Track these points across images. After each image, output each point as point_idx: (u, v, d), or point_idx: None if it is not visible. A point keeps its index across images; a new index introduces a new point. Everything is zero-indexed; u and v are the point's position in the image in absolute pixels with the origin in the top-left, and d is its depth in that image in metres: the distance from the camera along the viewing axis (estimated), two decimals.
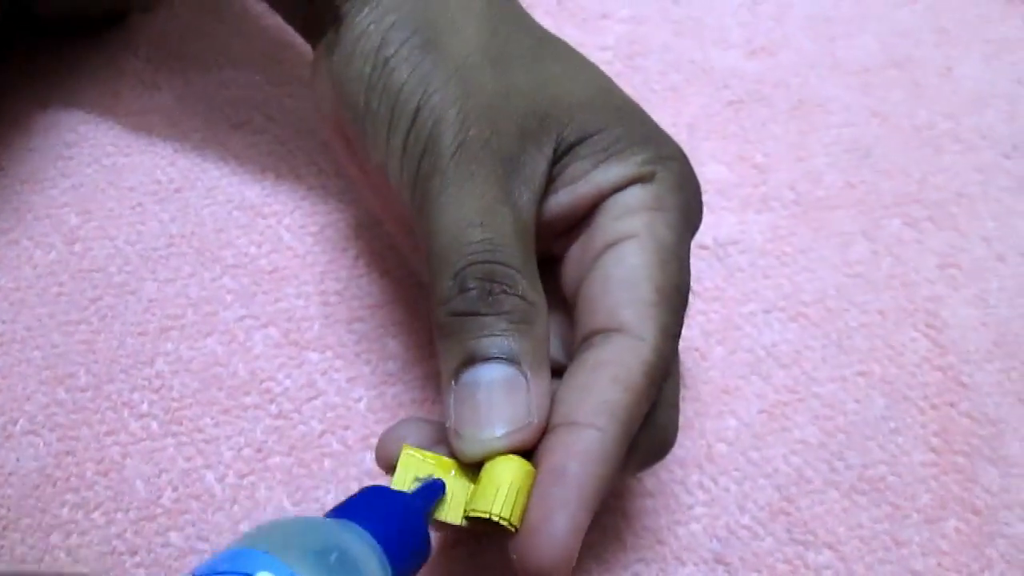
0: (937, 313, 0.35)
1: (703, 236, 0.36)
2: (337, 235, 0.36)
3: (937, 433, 0.33)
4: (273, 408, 0.32)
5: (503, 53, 0.27)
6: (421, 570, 0.23)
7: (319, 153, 0.38)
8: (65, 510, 0.30)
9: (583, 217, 0.27)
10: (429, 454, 0.24)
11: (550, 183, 0.26)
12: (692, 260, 0.27)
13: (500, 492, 0.22)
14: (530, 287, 0.24)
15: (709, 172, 0.38)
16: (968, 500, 0.31)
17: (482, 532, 0.24)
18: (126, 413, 0.32)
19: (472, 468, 0.23)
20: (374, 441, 0.31)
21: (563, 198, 0.26)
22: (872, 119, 0.41)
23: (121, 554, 0.29)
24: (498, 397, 0.23)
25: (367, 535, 0.21)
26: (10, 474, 0.30)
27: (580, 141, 0.26)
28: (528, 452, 0.23)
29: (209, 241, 0.35)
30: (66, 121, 0.38)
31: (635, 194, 0.26)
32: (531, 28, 0.28)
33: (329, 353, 0.33)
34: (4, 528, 0.29)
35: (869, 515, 0.31)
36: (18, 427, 0.31)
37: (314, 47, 0.31)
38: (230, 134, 0.38)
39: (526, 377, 0.23)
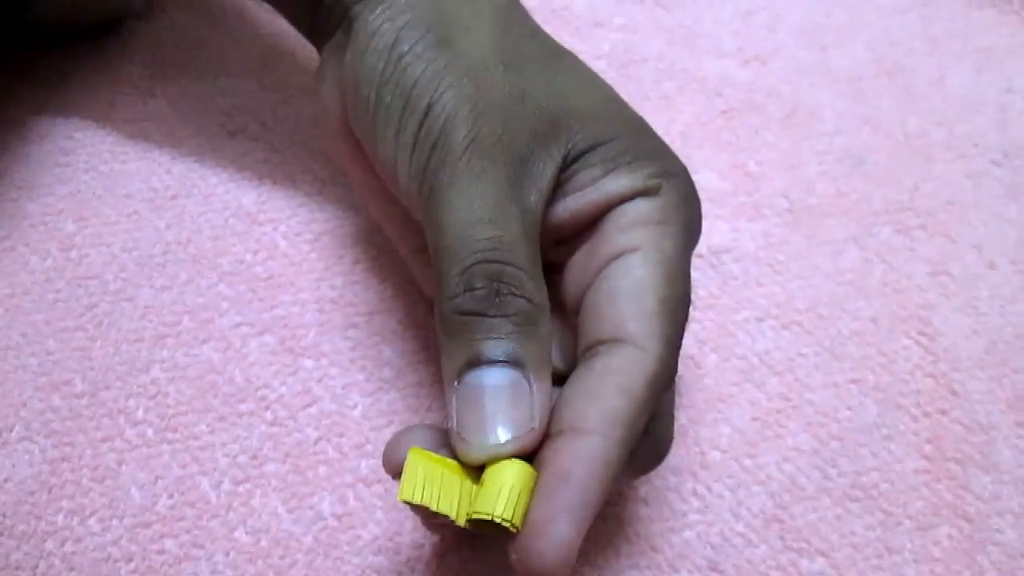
0: (929, 320, 0.35)
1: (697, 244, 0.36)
2: (333, 242, 0.36)
3: (929, 440, 0.33)
4: (268, 415, 0.32)
5: (516, 57, 0.27)
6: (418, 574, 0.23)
7: (315, 160, 0.38)
8: (60, 517, 0.30)
9: (587, 225, 0.27)
10: (435, 455, 0.24)
11: (557, 188, 0.26)
12: None
13: (503, 494, 0.23)
14: (536, 289, 0.24)
15: (702, 180, 0.38)
16: (960, 507, 0.31)
17: (482, 533, 0.24)
18: (122, 420, 0.32)
19: (475, 469, 0.24)
20: (369, 448, 0.32)
21: (572, 203, 0.27)
22: (864, 127, 0.41)
23: (116, 561, 0.29)
24: (503, 402, 0.23)
25: None
26: (5, 480, 0.30)
27: (590, 149, 0.26)
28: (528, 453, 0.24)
29: (205, 248, 0.35)
30: (62, 128, 0.38)
31: (641, 207, 0.26)
32: (542, 38, 0.29)
33: (324, 360, 0.33)
34: None
35: (862, 522, 0.31)
36: (13, 433, 0.31)
37: (320, 49, 0.31)
38: (226, 141, 0.38)
39: (529, 381, 0.24)
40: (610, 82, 0.29)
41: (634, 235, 0.26)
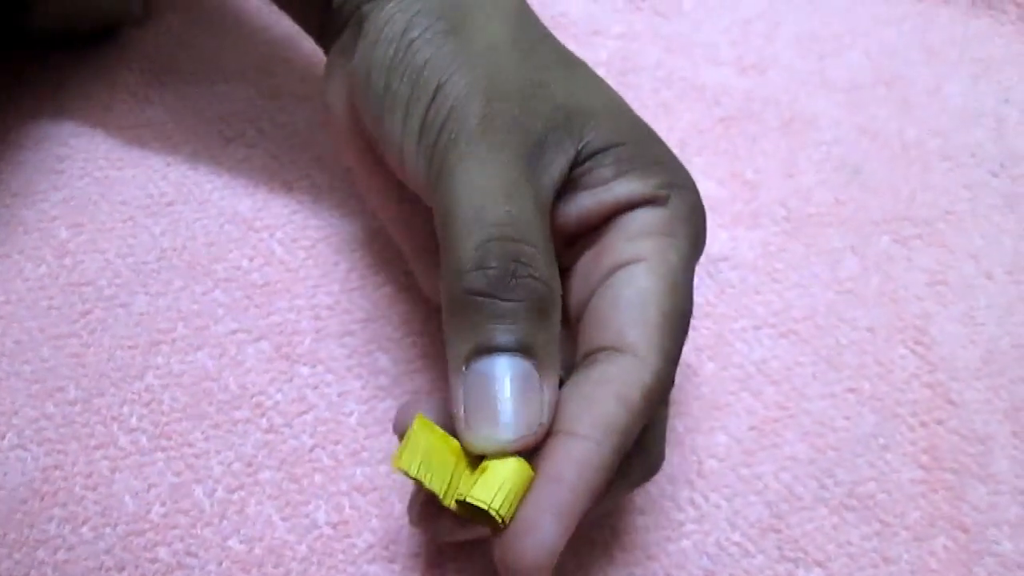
0: (926, 330, 0.35)
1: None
2: (329, 249, 0.36)
3: (926, 450, 0.33)
4: (263, 422, 0.32)
5: (531, 53, 0.27)
6: None
7: (312, 167, 0.38)
8: (53, 525, 0.30)
9: (593, 227, 0.27)
10: (438, 429, 0.24)
11: (567, 184, 0.26)
12: None
13: (502, 488, 0.23)
14: (550, 271, 0.24)
15: (700, 188, 0.38)
16: (957, 518, 0.31)
17: (466, 518, 0.24)
18: (115, 427, 0.32)
19: (474, 456, 0.24)
20: (365, 456, 0.31)
21: (581, 201, 0.26)
22: (861, 136, 0.41)
23: (109, 569, 0.29)
24: (514, 396, 0.23)
25: None
26: None
27: (604, 149, 0.26)
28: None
29: (201, 255, 0.35)
30: (57, 134, 0.38)
31: (648, 217, 0.26)
32: (555, 42, 0.29)
33: (320, 367, 0.33)
34: None
35: (858, 532, 0.31)
36: (6, 441, 0.31)
37: (327, 49, 0.31)
38: (222, 148, 0.38)
39: (539, 374, 0.23)
40: None
41: (640, 245, 0.26)
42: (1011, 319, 0.36)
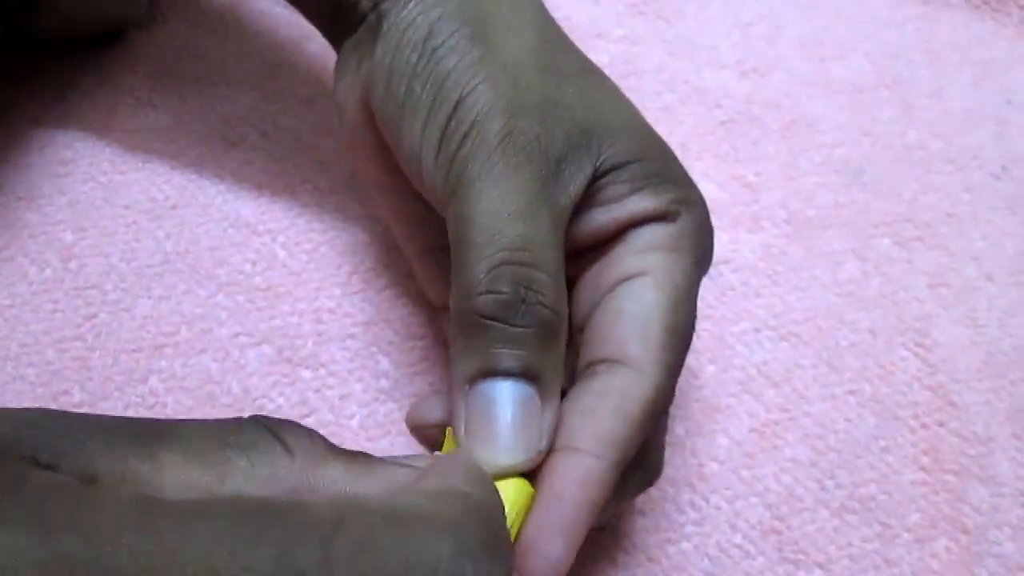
0: (927, 332, 0.35)
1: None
2: (332, 253, 0.36)
3: (927, 452, 0.33)
4: None
5: (552, 64, 0.27)
6: None
7: (315, 171, 0.38)
8: None
9: (605, 241, 0.27)
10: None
11: (583, 200, 0.26)
12: None
13: (504, 509, 0.23)
14: (559, 298, 0.24)
15: (701, 191, 0.38)
16: (958, 519, 0.31)
17: None
18: None
19: None
20: None
21: (596, 217, 0.27)
22: (863, 139, 0.41)
23: None
24: (514, 421, 0.23)
25: None
26: None
27: (621, 165, 0.26)
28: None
29: (204, 258, 0.36)
30: (62, 138, 0.38)
31: (656, 232, 0.26)
32: (575, 51, 0.29)
33: (322, 371, 0.33)
34: None
35: (859, 534, 0.31)
36: None
37: (337, 45, 0.31)
38: (226, 152, 0.38)
39: (541, 399, 0.24)
40: None
41: (647, 259, 0.26)
42: (1012, 321, 0.36)
